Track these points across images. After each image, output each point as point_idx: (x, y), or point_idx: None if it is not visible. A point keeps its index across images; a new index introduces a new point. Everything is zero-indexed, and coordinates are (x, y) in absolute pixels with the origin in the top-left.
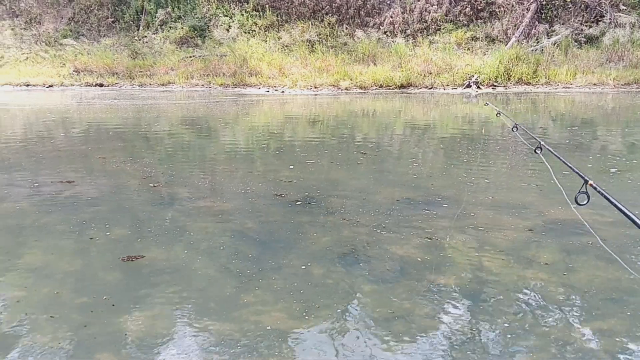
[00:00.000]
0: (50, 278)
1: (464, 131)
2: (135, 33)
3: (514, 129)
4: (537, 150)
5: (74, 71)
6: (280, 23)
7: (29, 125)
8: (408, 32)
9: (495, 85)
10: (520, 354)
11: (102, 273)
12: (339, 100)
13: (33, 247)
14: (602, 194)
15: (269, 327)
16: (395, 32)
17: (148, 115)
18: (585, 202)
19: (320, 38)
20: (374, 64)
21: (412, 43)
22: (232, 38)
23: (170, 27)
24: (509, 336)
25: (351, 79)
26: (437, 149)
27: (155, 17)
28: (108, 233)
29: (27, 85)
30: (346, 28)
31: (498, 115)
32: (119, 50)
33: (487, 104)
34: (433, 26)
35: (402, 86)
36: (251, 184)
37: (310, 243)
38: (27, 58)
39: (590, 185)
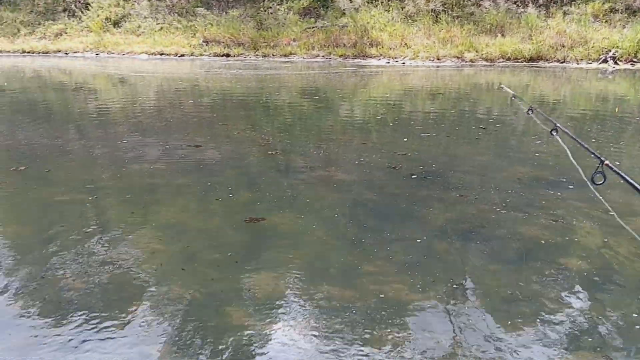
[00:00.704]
0: (182, 234)
1: (596, 110)
2: (261, 4)
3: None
4: None
5: (203, 41)
6: None
7: (161, 92)
8: (540, 2)
9: (634, 61)
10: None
11: (228, 232)
12: (463, 72)
13: (167, 205)
14: None
15: (389, 298)
16: (527, 2)
17: (269, 85)
18: None
19: (445, 8)
20: (502, 36)
21: (544, 14)
22: (355, 8)
23: None
24: (633, 329)
25: (476, 51)
26: (565, 128)
27: None
28: (231, 195)
29: (161, 55)
30: None
31: (513, 98)
32: (245, 21)
33: (501, 87)
34: None
35: (531, 59)
36: (367, 156)
37: (430, 218)
38: (162, 28)
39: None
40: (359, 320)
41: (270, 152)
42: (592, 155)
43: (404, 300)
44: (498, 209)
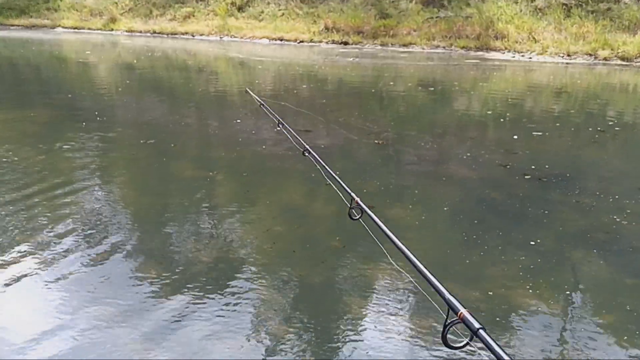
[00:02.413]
0: (295, 218)
1: None
2: None
3: None
4: None
5: (323, 29)
6: None
7: (278, 77)
8: None
9: None
10: None
11: (338, 219)
12: (595, 71)
13: (280, 188)
14: None
15: (513, 303)
16: None
17: (385, 74)
18: None
19: (579, 2)
20: None
21: None
22: None
23: None
24: None
25: (612, 49)
26: None
27: None
28: (352, 182)
29: (281, 40)
30: None
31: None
32: (366, 10)
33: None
34: None
35: None
36: (480, 153)
37: (569, 225)
38: (283, 14)
39: None
40: (482, 322)
41: (380, 142)
42: None
43: (525, 305)
44: (621, 219)
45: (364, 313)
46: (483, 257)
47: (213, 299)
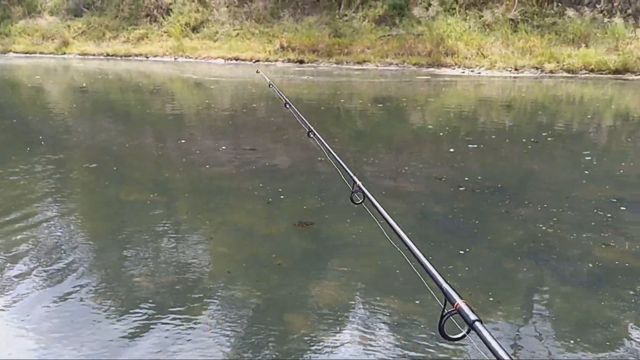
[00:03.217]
0: (249, 238)
1: None
2: (337, 11)
3: None
4: None
5: (278, 48)
6: (484, 1)
7: (234, 96)
8: (629, 11)
9: None
10: None
11: (293, 238)
12: (542, 84)
13: (233, 208)
14: None
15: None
16: (614, 12)
17: (341, 92)
18: None
19: (525, 17)
20: (586, 46)
21: (633, 24)
22: (431, 16)
23: (370, 5)
24: None
25: (558, 62)
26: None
27: None
28: (297, 200)
29: (237, 60)
30: (556, 6)
31: (270, 86)
32: (320, 29)
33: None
34: None
35: (616, 71)
36: (419, 167)
37: (500, 235)
38: (238, 34)
39: None
40: (420, 336)
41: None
42: None
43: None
44: (577, 229)
45: (358, 305)
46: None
47: (156, 325)
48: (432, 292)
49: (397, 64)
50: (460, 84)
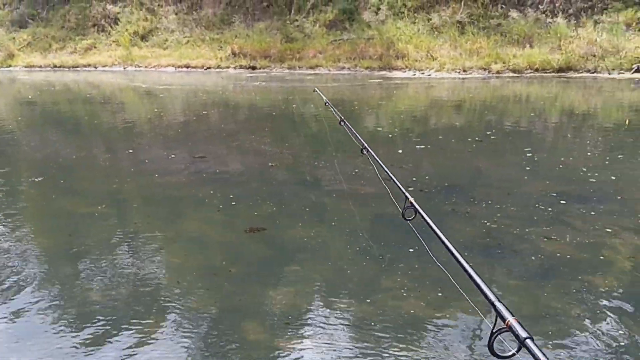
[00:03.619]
0: (204, 247)
1: (633, 121)
2: (288, 17)
3: None
4: None
5: (230, 54)
6: (431, 4)
7: (186, 104)
8: (570, 11)
9: None
10: None
11: (247, 245)
12: (489, 84)
13: (188, 218)
14: None
15: (407, 314)
16: (556, 12)
17: (290, 97)
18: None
19: (471, 19)
20: (530, 46)
21: (574, 23)
22: (381, 20)
23: (320, 10)
24: None
25: (504, 62)
26: (596, 140)
27: (306, 1)
28: (251, 208)
29: (187, 67)
30: (501, 8)
31: (326, 104)
32: (272, 34)
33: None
34: (599, 5)
35: (560, 70)
36: (368, 169)
37: (452, 232)
38: (188, 42)
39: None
40: (376, 335)
41: (293, 165)
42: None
43: (421, 316)
44: (525, 225)
45: (315, 309)
46: (377, 270)
47: (112, 339)
48: (476, 308)
49: (349, 68)
50: (412, 86)
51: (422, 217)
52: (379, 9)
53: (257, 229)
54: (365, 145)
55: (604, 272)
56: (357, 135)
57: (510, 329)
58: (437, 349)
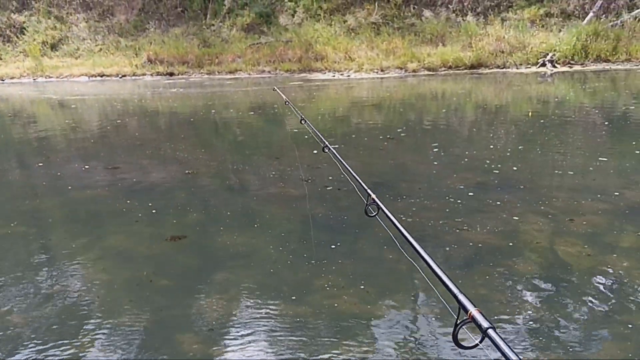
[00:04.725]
0: (128, 261)
1: (538, 112)
2: (203, 22)
3: None
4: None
5: (146, 61)
6: (346, 6)
7: (102, 115)
8: (479, 10)
9: (572, 64)
10: (594, 347)
11: (179, 257)
12: (406, 83)
13: (111, 232)
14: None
15: (343, 311)
16: (465, 11)
17: (214, 103)
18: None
19: (386, 20)
20: (443, 45)
21: (483, 21)
22: (298, 23)
23: (236, 15)
24: (583, 328)
25: (419, 61)
26: (510, 131)
27: (222, 5)
28: (175, 220)
29: (102, 76)
30: (413, 8)
31: (286, 103)
32: (188, 40)
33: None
34: (505, 3)
35: (472, 66)
36: (286, 170)
37: (381, 229)
38: (101, 50)
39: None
40: (313, 335)
41: (218, 171)
42: None
43: (356, 313)
44: (449, 216)
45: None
46: (313, 270)
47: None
48: (444, 302)
49: (269, 71)
50: (332, 87)
51: (385, 213)
52: (295, 11)
53: (178, 237)
54: (327, 143)
55: (525, 257)
56: (320, 135)
57: (473, 319)
58: (369, 343)
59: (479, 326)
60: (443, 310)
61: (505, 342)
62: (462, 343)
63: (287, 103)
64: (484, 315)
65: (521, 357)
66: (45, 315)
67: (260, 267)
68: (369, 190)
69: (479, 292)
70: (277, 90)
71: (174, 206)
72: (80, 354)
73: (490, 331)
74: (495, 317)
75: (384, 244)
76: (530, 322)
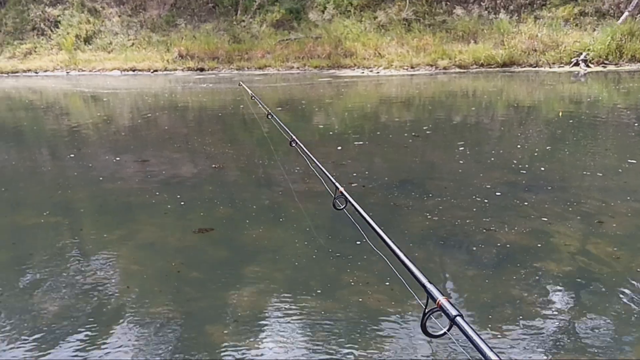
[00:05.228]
0: (160, 253)
1: (570, 112)
2: (234, 17)
3: None
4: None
5: (177, 56)
6: (377, 2)
7: (133, 108)
8: (511, 7)
9: (605, 63)
10: (625, 350)
11: (208, 249)
12: (437, 80)
13: (143, 224)
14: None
15: (370, 308)
16: (498, 8)
17: (239, 98)
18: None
19: (417, 16)
20: (474, 42)
21: (516, 19)
22: (327, 19)
23: (267, 11)
24: (613, 330)
25: (450, 58)
26: (541, 131)
27: (253, 1)
28: (207, 211)
29: (134, 71)
30: (445, 5)
31: (252, 98)
32: (219, 35)
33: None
34: (539, 1)
35: (504, 65)
36: (350, 166)
37: (410, 226)
38: (133, 44)
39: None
40: (340, 331)
41: (244, 165)
42: None
43: (384, 310)
44: (478, 215)
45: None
46: (337, 268)
47: (71, 347)
48: (412, 292)
49: (298, 68)
50: (360, 84)
51: (353, 205)
52: (325, 7)
53: (206, 229)
54: (294, 137)
55: (554, 258)
56: (286, 129)
57: (441, 308)
58: (397, 341)
59: (447, 314)
60: (478, 307)
61: (473, 329)
62: (432, 332)
63: (253, 98)
64: (451, 304)
65: (487, 343)
66: (79, 304)
67: (288, 261)
68: (337, 184)
69: (510, 292)
70: (243, 85)
71: (201, 199)
72: (113, 342)
73: (458, 319)
74: (525, 317)
75: (410, 242)
76: (561, 323)
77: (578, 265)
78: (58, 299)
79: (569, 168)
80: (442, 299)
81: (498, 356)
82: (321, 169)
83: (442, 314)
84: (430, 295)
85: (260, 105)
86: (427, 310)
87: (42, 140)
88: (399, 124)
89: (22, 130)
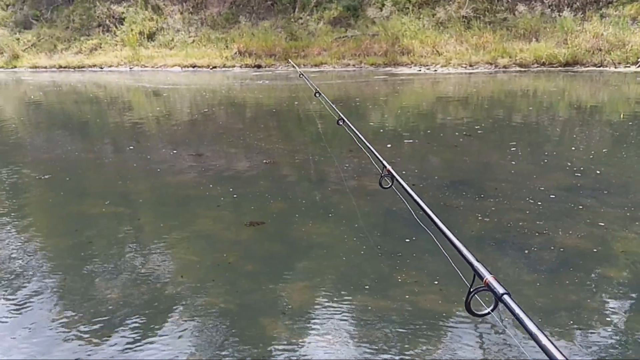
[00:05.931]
0: (216, 245)
1: (636, 114)
2: (292, 15)
3: None
4: None
5: (236, 53)
6: None
7: (193, 104)
8: (576, 5)
9: None
10: None
11: (260, 242)
12: (496, 79)
13: (200, 216)
14: None
15: (423, 308)
16: (562, 6)
17: (294, 94)
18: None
19: (477, 14)
20: (536, 40)
21: (580, 17)
22: (385, 16)
23: (324, 8)
24: None
25: (510, 57)
26: (604, 133)
27: None
28: (262, 206)
29: (194, 67)
30: (506, 2)
31: (316, 94)
32: (276, 32)
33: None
34: None
35: (567, 64)
36: (400, 165)
37: (462, 227)
38: (194, 41)
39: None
40: (391, 331)
41: (301, 162)
42: None
43: (437, 311)
44: (537, 218)
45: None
46: (394, 266)
47: (127, 332)
48: (458, 270)
49: (354, 65)
50: (417, 82)
51: (399, 182)
52: (383, 4)
53: (257, 222)
54: (342, 116)
55: (612, 264)
56: (334, 107)
57: (487, 286)
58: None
59: (494, 292)
60: (535, 312)
61: (521, 308)
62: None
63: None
64: (499, 282)
65: (536, 323)
66: (137, 292)
67: (338, 257)
68: (384, 162)
69: (569, 297)
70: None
71: (253, 193)
72: (170, 329)
73: (506, 297)
74: (582, 324)
75: (463, 243)
76: (620, 333)
77: (637, 271)
78: (117, 287)
79: (626, 172)
80: (489, 277)
81: (547, 336)
82: (368, 147)
83: (490, 292)
84: (477, 273)
85: (313, 91)
86: (472, 289)
87: (104, 132)
88: (452, 123)
89: (86, 123)
